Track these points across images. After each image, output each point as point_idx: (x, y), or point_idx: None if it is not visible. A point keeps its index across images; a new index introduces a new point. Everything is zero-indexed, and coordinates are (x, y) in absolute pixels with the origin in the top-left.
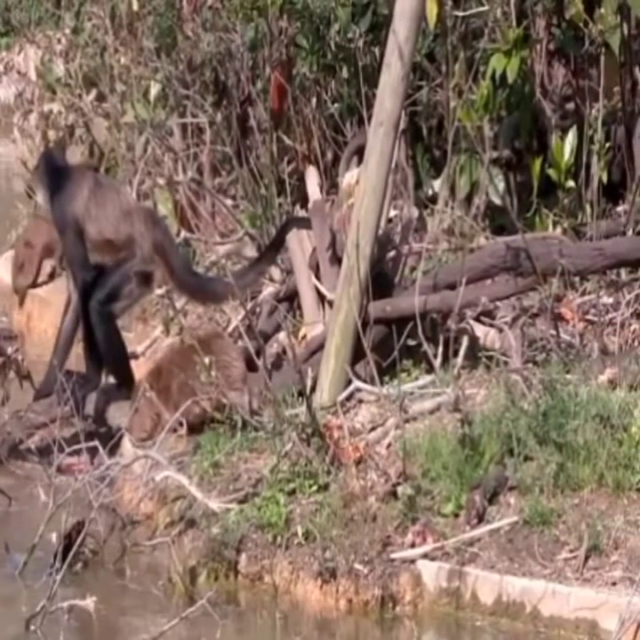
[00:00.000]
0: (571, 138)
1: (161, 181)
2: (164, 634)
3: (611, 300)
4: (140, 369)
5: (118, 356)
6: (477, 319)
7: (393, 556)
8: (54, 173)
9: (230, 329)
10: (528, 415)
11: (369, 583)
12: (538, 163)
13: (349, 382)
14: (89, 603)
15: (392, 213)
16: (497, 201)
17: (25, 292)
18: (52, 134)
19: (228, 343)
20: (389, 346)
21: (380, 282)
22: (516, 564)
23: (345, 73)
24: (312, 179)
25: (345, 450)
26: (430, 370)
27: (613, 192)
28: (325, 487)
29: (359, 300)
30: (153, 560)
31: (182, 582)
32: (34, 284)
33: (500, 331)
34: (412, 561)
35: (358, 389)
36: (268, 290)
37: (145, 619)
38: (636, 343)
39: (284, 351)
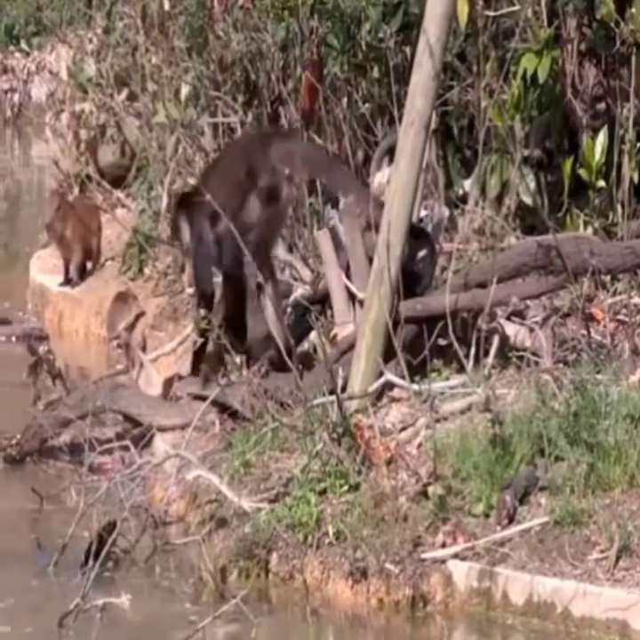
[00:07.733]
0: (602, 138)
1: (192, 181)
2: (197, 632)
3: None
4: (170, 368)
5: None
6: (508, 318)
7: (424, 556)
8: None
9: None
10: (559, 415)
11: (400, 583)
12: (569, 163)
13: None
14: (124, 600)
15: (423, 213)
16: (528, 201)
17: (53, 233)
18: (83, 134)
19: None
20: (420, 345)
21: (411, 281)
22: (547, 565)
23: (376, 73)
24: None
25: (376, 449)
26: (461, 369)
27: None
28: (356, 487)
29: (390, 299)
30: (184, 559)
31: (213, 581)
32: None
33: (531, 330)
34: (443, 561)
35: (390, 384)
36: (299, 291)
37: (176, 617)
38: None
39: (315, 351)
